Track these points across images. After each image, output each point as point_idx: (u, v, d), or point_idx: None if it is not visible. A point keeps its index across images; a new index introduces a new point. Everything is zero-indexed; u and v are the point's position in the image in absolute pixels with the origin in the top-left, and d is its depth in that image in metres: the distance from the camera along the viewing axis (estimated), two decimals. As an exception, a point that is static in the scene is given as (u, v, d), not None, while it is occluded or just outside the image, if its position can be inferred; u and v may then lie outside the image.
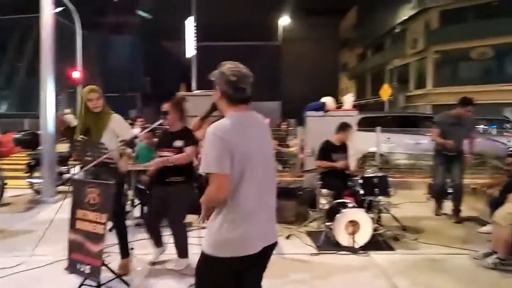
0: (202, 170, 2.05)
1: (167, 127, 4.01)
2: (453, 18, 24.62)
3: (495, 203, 4.78)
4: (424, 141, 8.89)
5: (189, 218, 5.60)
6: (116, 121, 3.76)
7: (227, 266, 2.11)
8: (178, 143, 3.84)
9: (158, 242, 4.17)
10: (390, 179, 5.36)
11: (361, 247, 4.54)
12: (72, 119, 5.32)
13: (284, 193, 5.77)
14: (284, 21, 39.15)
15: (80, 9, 17.97)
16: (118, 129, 3.75)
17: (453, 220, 5.85)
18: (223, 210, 2.09)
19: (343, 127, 5.72)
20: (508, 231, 3.85)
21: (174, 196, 3.89)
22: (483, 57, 23.99)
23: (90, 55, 32.91)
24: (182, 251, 4.00)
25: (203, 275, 2.22)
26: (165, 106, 3.93)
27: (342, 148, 5.79)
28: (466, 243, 4.85)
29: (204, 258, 2.17)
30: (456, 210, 6.00)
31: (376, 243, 4.66)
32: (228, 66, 2.15)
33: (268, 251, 2.23)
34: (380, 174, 5.31)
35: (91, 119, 3.75)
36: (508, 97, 21.42)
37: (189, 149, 3.84)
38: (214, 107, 2.29)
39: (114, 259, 4.00)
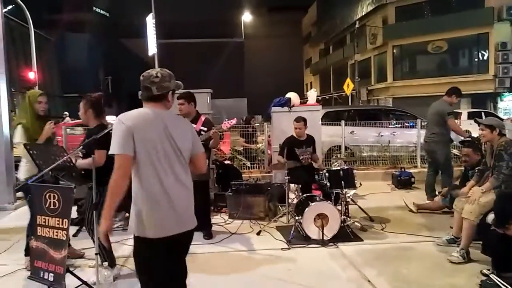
0: (110, 152, 2.25)
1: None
2: (409, 14, 25.43)
3: (455, 191, 4.99)
4: (386, 133, 9.15)
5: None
6: None
7: (147, 246, 2.28)
8: (86, 141, 3.40)
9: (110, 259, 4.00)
10: (355, 171, 5.46)
11: (330, 239, 4.60)
12: None
13: (253, 189, 5.80)
14: (246, 17, 39.18)
15: (33, 7, 17.18)
16: None
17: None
18: (135, 193, 2.29)
19: (294, 119, 5.80)
20: (476, 224, 3.97)
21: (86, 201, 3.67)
22: (438, 51, 24.94)
23: (47, 55, 31.63)
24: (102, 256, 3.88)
25: (135, 255, 2.40)
26: (80, 105, 3.71)
27: (307, 143, 5.83)
28: (430, 230, 5.03)
29: (134, 239, 2.35)
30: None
31: (345, 235, 4.74)
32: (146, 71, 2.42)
33: (181, 239, 2.36)
34: (345, 166, 5.40)
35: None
36: (463, 89, 22.25)
37: (96, 154, 3.31)
38: None
39: (79, 264, 3.86)
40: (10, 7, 18.79)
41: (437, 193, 6.23)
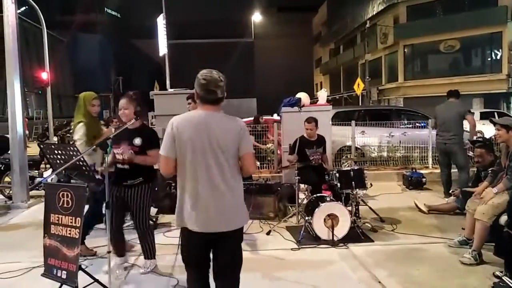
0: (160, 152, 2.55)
1: (123, 123, 3.82)
2: (421, 13, 25.22)
3: (467, 192, 4.93)
4: (397, 134, 9.09)
5: (169, 218, 5.55)
6: None
7: (184, 235, 2.52)
8: (138, 140, 3.62)
9: (120, 250, 4.02)
10: (366, 171, 5.43)
11: (340, 240, 4.59)
12: None
13: (263, 189, 5.80)
14: (256, 17, 39.18)
15: (46, 9, 17.40)
16: None
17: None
18: (178, 187, 2.54)
19: (306, 120, 5.81)
20: (488, 225, 3.93)
21: (135, 199, 3.72)
22: (450, 50, 24.67)
23: (59, 55, 32.01)
24: (148, 253, 3.93)
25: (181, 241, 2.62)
26: (122, 102, 3.75)
27: (317, 143, 5.82)
28: (441, 231, 4.98)
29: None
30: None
31: (355, 235, 4.72)
32: (202, 72, 2.51)
33: (221, 238, 2.47)
34: (356, 167, 5.37)
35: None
36: (475, 89, 22.15)
37: (154, 153, 3.62)
38: None
39: (91, 263, 3.91)
40: (23, 8, 19.10)
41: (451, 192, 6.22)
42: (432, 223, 5.40)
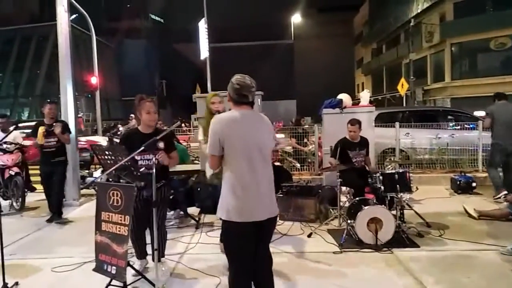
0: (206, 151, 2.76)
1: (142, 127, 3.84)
2: (469, 9, 24.13)
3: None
4: (444, 135, 8.74)
5: (211, 218, 5.64)
6: None
7: (233, 228, 2.63)
8: (161, 144, 3.43)
9: (142, 252, 4.02)
10: (411, 174, 5.26)
11: (384, 244, 4.48)
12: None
13: (303, 191, 5.77)
14: (296, 19, 39.04)
15: (94, 16, 18.25)
16: None
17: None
18: (223, 182, 2.70)
19: (349, 121, 5.71)
20: None
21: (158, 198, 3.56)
22: (502, 48, 23.42)
23: (107, 60, 33.44)
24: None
25: (223, 236, 2.86)
26: (150, 105, 3.76)
27: (360, 145, 5.72)
28: (493, 238, 4.74)
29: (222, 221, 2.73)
30: None
31: (400, 240, 4.59)
32: (236, 77, 2.77)
33: (265, 224, 2.69)
34: (400, 170, 5.22)
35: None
36: (529, 88, 20.90)
37: (175, 154, 3.88)
38: None
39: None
40: (74, 16, 20.14)
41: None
42: (482, 229, 5.15)
